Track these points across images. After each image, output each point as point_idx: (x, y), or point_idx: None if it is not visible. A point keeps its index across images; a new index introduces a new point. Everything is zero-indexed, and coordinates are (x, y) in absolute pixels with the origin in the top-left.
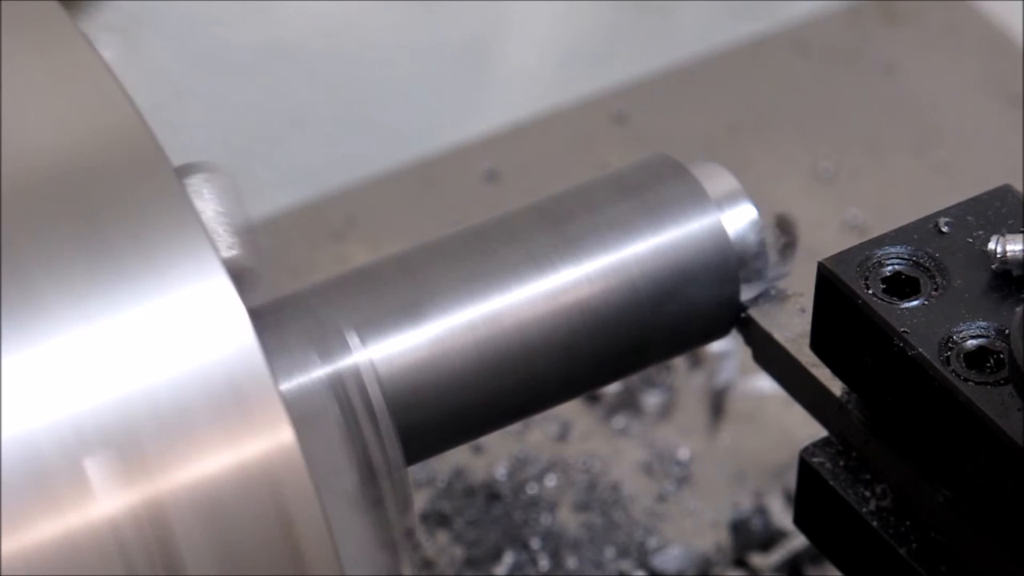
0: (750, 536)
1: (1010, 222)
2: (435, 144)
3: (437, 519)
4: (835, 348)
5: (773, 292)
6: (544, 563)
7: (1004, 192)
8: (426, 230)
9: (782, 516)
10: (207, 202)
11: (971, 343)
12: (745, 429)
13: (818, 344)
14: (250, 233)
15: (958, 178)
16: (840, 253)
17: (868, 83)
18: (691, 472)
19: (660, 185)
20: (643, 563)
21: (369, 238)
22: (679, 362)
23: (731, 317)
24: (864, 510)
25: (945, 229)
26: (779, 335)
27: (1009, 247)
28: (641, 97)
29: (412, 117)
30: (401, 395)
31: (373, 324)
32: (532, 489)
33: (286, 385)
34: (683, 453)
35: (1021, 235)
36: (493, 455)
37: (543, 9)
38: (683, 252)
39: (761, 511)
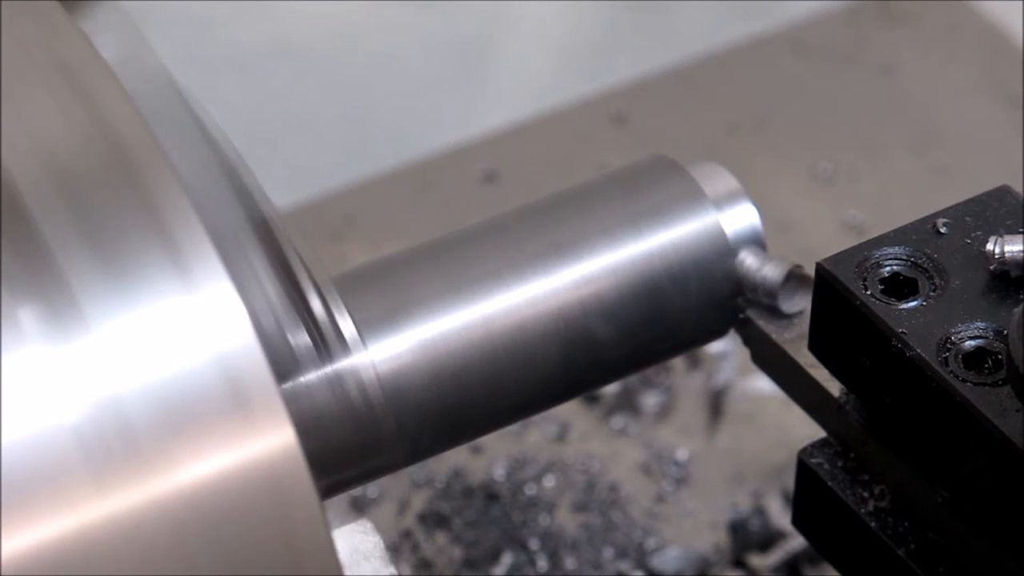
0: (748, 537)
1: (1008, 223)
2: (434, 144)
3: (436, 520)
4: (833, 349)
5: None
6: (543, 564)
7: (1002, 193)
8: (425, 230)
9: (780, 517)
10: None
11: (969, 344)
12: (744, 430)
13: (816, 345)
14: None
15: (957, 179)
16: (838, 254)
17: (867, 83)
18: (690, 473)
19: (657, 186)
20: (641, 564)
21: (368, 238)
22: (677, 363)
23: (729, 318)
24: (862, 511)
25: (943, 230)
26: (777, 336)
27: (1007, 248)
28: (641, 97)
29: (411, 117)
30: (401, 395)
31: (373, 324)
32: (531, 490)
33: (287, 385)
34: (682, 454)
35: (1019, 236)
36: (492, 456)
37: (543, 9)
38: (681, 252)
39: (759, 512)
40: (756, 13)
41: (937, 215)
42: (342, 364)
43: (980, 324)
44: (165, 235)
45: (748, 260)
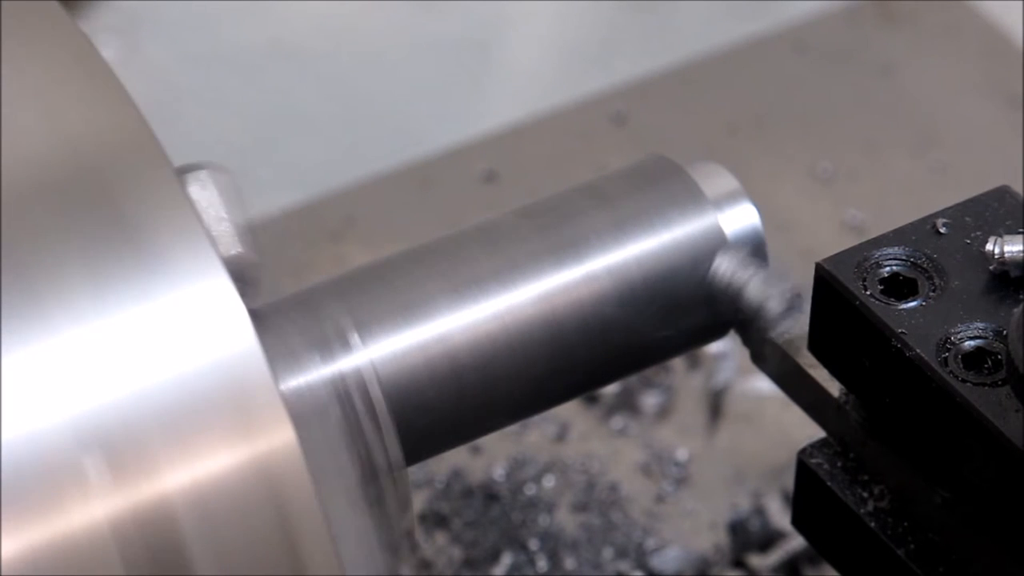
0: (748, 537)
1: (1008, 223)
2: (434, 144)
3: (435, 520)
4: (833, 349)
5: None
6: (542, 564)
7: (1002, 193)
8: (425, 231)
9: (780, 517)
10: (208, 202)
11: (969, 344)
12: (743, 430)
13: (816, 345)
14: (249, 233)
15: (956, 179)
16: (838, 254)
17: (867, 83)
18: (689, 473)
19: (657, 186)
20: (641, 564)
21: (368, 238)
22: (677, 363)
23: (729, 318)
24: (862, 511)
25: (943, 230)
26: (777, 336)
27: (1007, 248)
28: (640, 97)
29: (411, 117)
30: (401, 396)
31: (373, 324)
32: (530, 490)
33: (287, 385)
34: (681, 454)
35: (1019, 236)
36: (491, 456)
37: (543, 9)
38: (681, 253)
39: (759, 512)
40: (756, 13)
41: (937, 215)
42: (342, 364)
43: (980, 324)
44: (165, 234)
45: (750, 289)
